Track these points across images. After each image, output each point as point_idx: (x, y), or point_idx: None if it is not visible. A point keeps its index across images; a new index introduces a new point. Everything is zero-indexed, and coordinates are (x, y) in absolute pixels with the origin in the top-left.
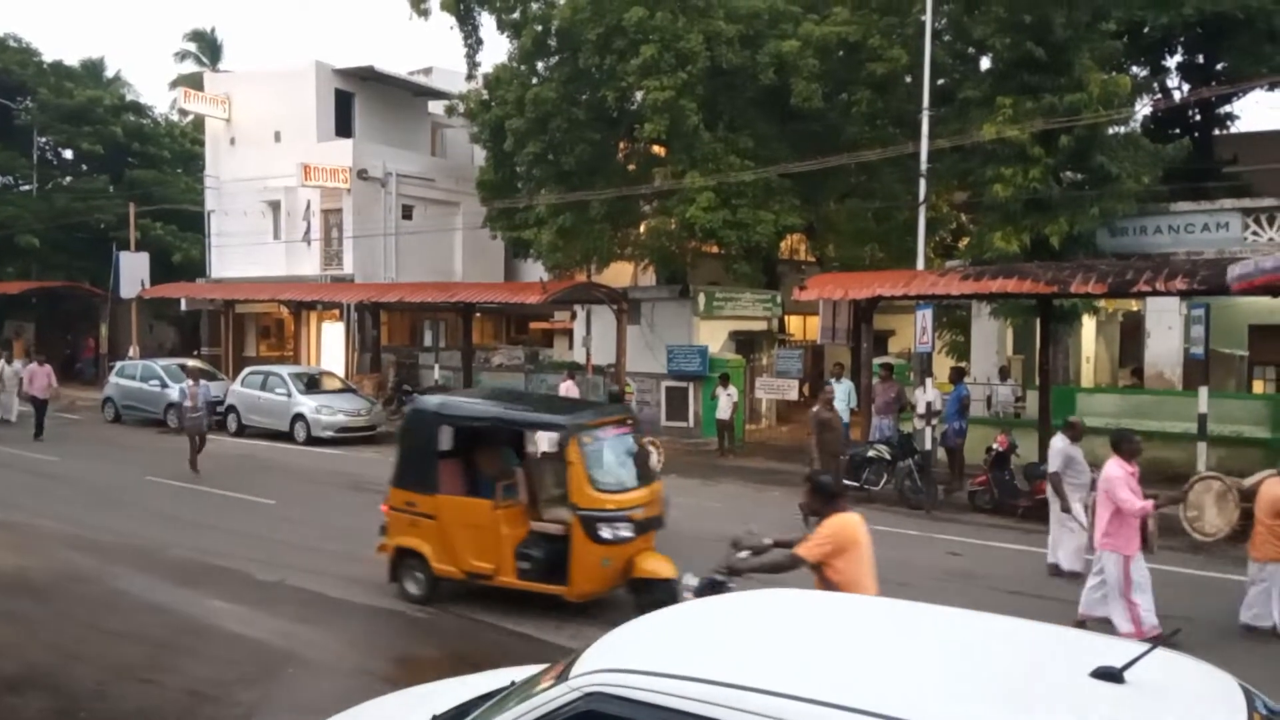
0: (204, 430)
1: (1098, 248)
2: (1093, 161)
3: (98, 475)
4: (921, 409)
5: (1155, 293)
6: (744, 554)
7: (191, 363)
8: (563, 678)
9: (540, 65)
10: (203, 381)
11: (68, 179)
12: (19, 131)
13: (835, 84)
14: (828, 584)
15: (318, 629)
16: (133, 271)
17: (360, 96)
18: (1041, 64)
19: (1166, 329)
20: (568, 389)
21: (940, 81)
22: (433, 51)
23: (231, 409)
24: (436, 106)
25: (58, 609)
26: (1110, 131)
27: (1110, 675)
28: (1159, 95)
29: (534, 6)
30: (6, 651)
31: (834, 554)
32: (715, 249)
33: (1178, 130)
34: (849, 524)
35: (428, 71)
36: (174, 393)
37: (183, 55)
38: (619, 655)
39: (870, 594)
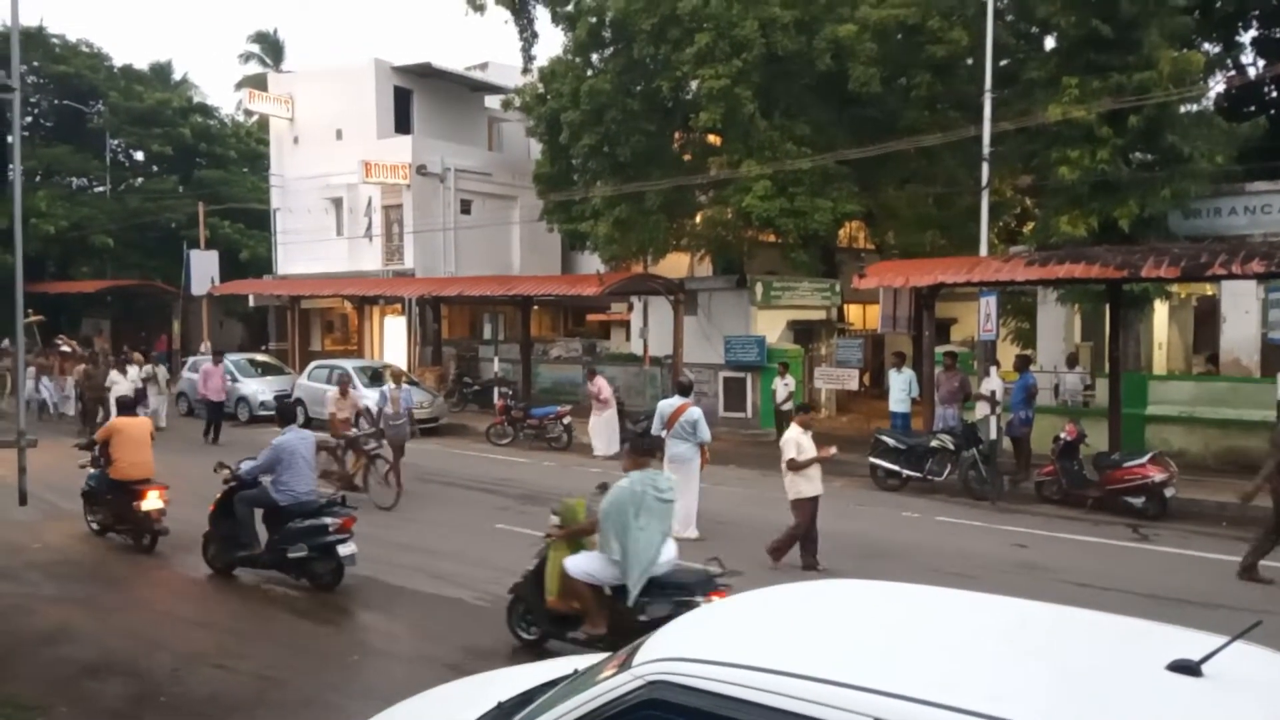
0: (406, 439)
1: (1170, 230)
2: (1163, 141)
3: (170, 466)
4: (988, 393)
5: (1231, 276)
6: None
7: (260, 356)
8: (626, 666)
9: (595, 57)
10: (405, 385)
11: (139, 180)
12: (92, 135)
13: (894, 68)
14: (108, 454)
15: (383, 615)
16: (203, 269)
17: (418, 93)
18: (1108, 42)
19: (1243, 313)
20: (599, 388)
21: (1003, 63)
22: (489, 46)
23: (299, 402)
24: (493, 101)
25: (134, 597)
26: (1182, 110)
27: (1188, 668)
28: (1233, 72)
29: None
30: (86, 638)
31: (109, 437)
32: (772, 238)
33: (1253, 108)
34: (122, 422)
35: (484, 67)
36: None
37: (247, 56)
38: (683, 644)
39: (134, 459)
